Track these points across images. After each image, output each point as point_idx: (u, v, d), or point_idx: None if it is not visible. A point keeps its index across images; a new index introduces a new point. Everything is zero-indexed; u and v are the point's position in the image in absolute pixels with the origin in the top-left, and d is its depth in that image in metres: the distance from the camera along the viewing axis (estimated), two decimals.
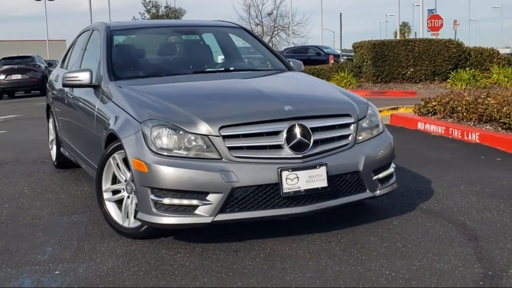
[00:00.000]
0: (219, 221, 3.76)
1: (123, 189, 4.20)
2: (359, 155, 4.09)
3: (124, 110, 4.22)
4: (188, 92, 4.58)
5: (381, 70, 18.59)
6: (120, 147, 4.12)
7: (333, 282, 3.31)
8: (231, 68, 5.43)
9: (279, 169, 3.77)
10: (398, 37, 46.68)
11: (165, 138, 3.83)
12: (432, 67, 18.66)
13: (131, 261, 3.74)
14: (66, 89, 5.76)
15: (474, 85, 16.72)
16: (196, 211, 3.75)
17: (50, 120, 6.98)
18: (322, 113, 4.11)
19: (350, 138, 4.12)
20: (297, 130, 3.89)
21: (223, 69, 5.35)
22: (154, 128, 3.87)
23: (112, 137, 4.28)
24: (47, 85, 7.25)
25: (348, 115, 4.18)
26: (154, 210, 3.79)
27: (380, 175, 4.24)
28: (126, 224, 4.17)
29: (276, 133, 3.88)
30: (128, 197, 4.16)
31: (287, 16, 56.89)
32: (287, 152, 3.86)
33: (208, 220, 3.74)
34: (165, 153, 3.80)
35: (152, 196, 3.79)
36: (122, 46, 5.39)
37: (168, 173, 3.73)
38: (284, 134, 3.86)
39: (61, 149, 6.48)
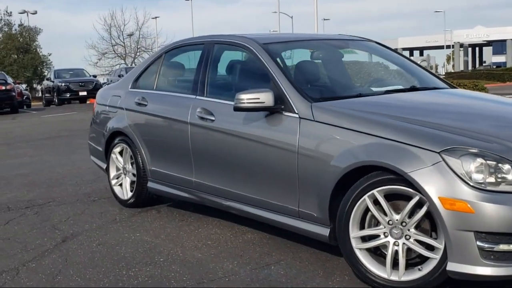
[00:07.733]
0: None
1: (384, 233, 3.43)
2: None
3: (382, 137, 3.43)
4: (449, 115, 3.87)
5: None
6: (382, 182, 3.36)
7: None
8: (416, 86, 4.73)
9: None
10: None
11: (482, 170, 3.12)
12: None
13: None
14: (191, 114, 4.74)
15: None
16: None
17: (116, 150, 5.83)
18: None
19: None
20: None
21: (407, 87, 4.65)
22: (464, 158, 3.14)
23: (359, 171, 3.49)
24: (109, 108, 6.05)
25: None
26: (482, 259, 3.07)
27: None
28: (394, 277, 3.39)
29: None
30: (395, 243, 3.40)
31: (150, 37, 56.01)
32: None
33: None
34: (488, 188, 3.10)
35: (478, 242, 3.07)
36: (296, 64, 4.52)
37: (501, 213, 3.03)
38: None
39: (150, 184, 5.42)
